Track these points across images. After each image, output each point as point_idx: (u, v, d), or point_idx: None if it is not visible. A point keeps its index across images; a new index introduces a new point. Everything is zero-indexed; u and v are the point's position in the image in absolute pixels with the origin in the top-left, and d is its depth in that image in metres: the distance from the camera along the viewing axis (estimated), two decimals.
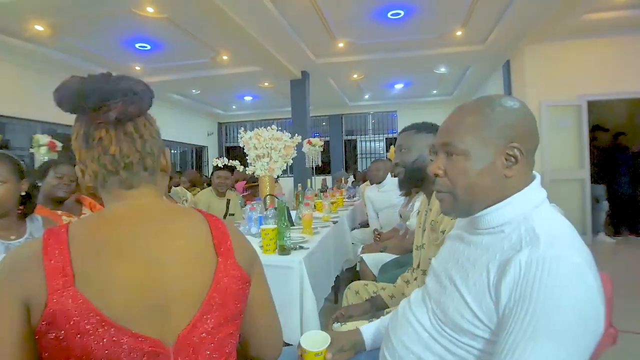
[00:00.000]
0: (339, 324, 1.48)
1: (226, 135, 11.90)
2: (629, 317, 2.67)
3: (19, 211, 1.51)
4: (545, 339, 0.61)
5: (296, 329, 1.56)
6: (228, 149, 11.72)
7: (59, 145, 3.78)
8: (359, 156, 11.30)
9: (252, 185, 5.68)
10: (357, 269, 2.61)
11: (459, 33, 5.56)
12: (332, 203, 3.43)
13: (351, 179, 7.60)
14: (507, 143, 0.77)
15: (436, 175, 0.84)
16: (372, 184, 3.57)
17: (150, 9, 4.50)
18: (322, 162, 10.39)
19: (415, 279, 1.50)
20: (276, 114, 10.69)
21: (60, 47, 5.47)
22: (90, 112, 0.71)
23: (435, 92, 9.50)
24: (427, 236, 1.43)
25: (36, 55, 5.47)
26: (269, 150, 2.36)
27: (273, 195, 2.47)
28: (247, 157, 2.45)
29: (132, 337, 0.63)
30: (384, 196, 3.32)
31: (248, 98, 9.55)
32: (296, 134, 2.59)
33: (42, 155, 3.46)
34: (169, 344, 0.66)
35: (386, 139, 11.07)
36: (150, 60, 6.34)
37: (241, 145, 2.49)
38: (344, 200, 4.37)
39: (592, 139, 5.47)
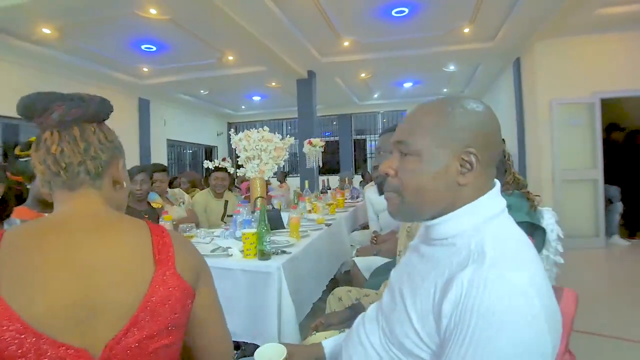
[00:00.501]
0: (316, 333, 1.43)
1: (236, 135, 11.95)
2: None
3: None
4: None
5: (273, 336, 1.53)
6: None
7: None
8: (368, 156, 11.21)
9: None
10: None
11: (466, 30, 5.44)
12: (329, 205, 3.38)
13: (358, 178, 7.52)
14: (462, 147, 0.71)
15: (387, 174, 0.78)
16: (376, 184, 3.50)
17: (153, 11, 4.52)
18: (325, 161, 10.37)
19: None
20: (285, 113, 10.69)
21: (68, 50, 5.56)
22: (37, 117, 0.74)
23: (445, 90, 9.34)
24: (404, 243, 1.37)
25: (46, 58, 5.57)
26: (259, 152, 2.33)
27: (264, 197, 2.44)
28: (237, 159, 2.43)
29: (55, 346, 0.62)
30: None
31: (256, 98, 9.57)
32: (287, 135, 2.56)
33: None
34: (96, 355, 0.65)
35: None
36: (157, 61, 6.39)
37: (233, 146, 2.47)
38: (346, 201, 4.31)
39: (606, 138, 5.28)
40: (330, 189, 5.43)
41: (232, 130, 2.78)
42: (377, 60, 6.52)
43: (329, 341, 1.03)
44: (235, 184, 6.12)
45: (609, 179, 5.21)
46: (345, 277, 3.25)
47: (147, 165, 3.19)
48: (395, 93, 9.47)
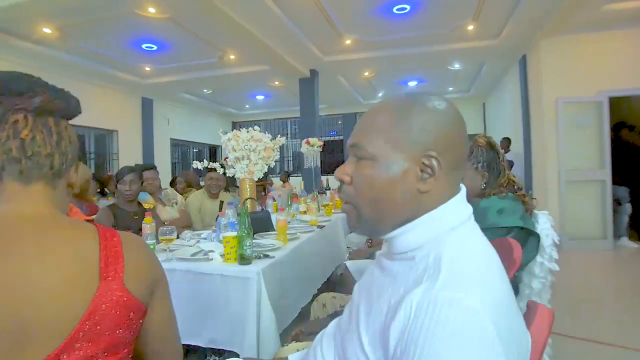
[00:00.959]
0: (296, 342, 1.37)
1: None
2: None
3: None
4: None
5: (252, 344, 1.47)
6: None
7: None
8: None
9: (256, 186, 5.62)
10: None
11: (470, 27, 5.33)
12: (325, 205, 3.31)
13: None
14: (422, 151, 0.63)
15: (341, 181, 0.70)
16: None
17: (152, 10, 4.50)
18: (331, 160, 10.31)
19: None
20: (289, 112, 10.64)
21: (69, 49, 5.57)
22: (15, 95, 0.69)
23: (451, 89, 9.22)
24: None
25: (48, 57, 5.58)
26: (249, 152, 2.27)
27: (254, 199, 2.39)
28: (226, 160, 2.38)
29: None
30: None
31: (260, 97, 9.53)
32: (278, 135, 2.49)
33: None
34: None
35: None
36: (159, 60, 6.38)
37: (223, 146, 2.42)
38: None
39: (614, 137, 5.13)
40: (329, 189, 5.36)
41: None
42: (380, 58, 6.43)
43: (295, 355, 0.96)
44: (237, 184, 6.08)
45: (617, 179, 5.07)
46: (342, 279, 3.18)
47: (139, 165, 3.15)
48: (399, 92, 9.36)
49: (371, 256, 2.42)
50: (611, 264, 4.66)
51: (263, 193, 4.80)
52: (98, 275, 0.66)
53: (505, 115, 7.57)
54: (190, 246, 1.89)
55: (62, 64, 5.88)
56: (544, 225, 1.60)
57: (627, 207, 5.09)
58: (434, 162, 0.63)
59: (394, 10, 4.74)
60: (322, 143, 4.42)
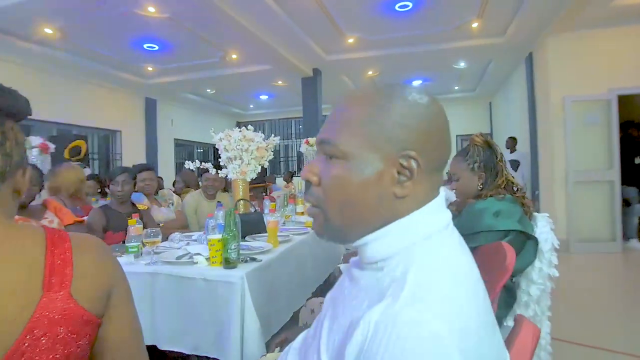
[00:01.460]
0: (279, 349, 1.31)
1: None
2: None
3: None
4: None
5: (237, 350, 1.41)
6: None
7: (52, 147, 3.81)
8: None
9: (256, 186, 5.57)
10: None
11: (475, 25, 5.23)
12: None
13: None
14: (400, 150, 0.56)
15: (308, 181, 0.62)
16: None
17: (151, 9, 4.48)
18: None
19: None
20: (293, 112, 10.58)
21: (71, 50, 5.57)
22: None
23: (457, 88, 9.10)
24: None
25: (50, 58, 5.59)
26: (241, 152, 2.22)
27: (247, 200, 2.33)
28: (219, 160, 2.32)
29: None
30: None
31: (264, 97, 9.49)
32: (272, 135, 2.43)
33: (34, 157, 3.49)
34: None
35: None
36: (161, 60, 6.36)
37: (216, 146, 2.37)
38: None
39: (622, 136, 4.99)
40: None
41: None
42: (384, 57, 6.35)
43: None
44: None
45: (626, 179, 4.93)
46: (335, 283, 3.10)
47: (136, 166, 3.11)
48: None
49: None
50: (620, 267, 4.53)
51: (264, 194, 4.75)
52: (40, 286, 0.60)
53: (512, 115, 7.43)
54: (178, 248, 1.84)
55: (65, 65, 5.90)
56: (543, 228, 1.52)
57: (637, 208, 4.96)
58: (413, 163, 0.55)
59: (396, 7, 4.66)
60: None
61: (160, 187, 6.45)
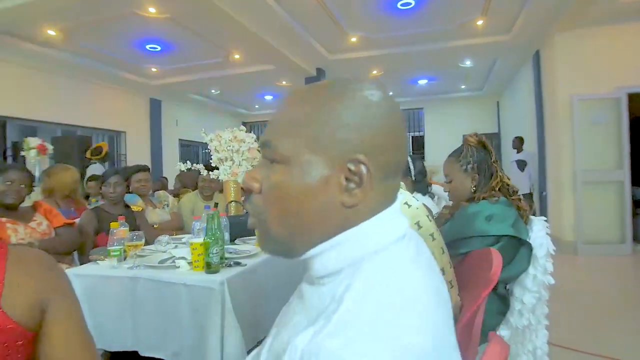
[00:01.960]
0: None
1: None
2: None
3: None
4: None
5: (216, 358, 1.36)
6: None
7: (50, 148, 3.81)
8: None
9: None
10: None
11: (479, 22, 5.14)
12: None
13: None
14: (347, 153, 0.49)
15: (249, 190, 0.55)
16: None
17: (152, 10, 4.47)
18: None
19: None
20: None
21: (75, 51, 5.61)
22: None
23: (463, 87, 8.98)
24: None
25: (54, 59, 5.63)
26: (231, 153, 2.17)
27: (238, 201, 2.29)
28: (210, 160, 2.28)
29: None
30: None
31: (269, 97, 9.47)
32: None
33: (32, 158, 3.49)
34: None
35: (413, 137, 10.62)
36: (164, 61, 6.37)
37: (209, 147, 2.33)
38: None
39: (632, 135, 4.85)
40: None
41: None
42: (387, 56, 6.29)
43: None
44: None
45: (636, 180, 4.79)
46: None
47: (135, 166, 3.09)
48: (410, 90, 9.17)
49: None
50: (630, 270, 4.39)
51: None
52: None
53: (519, 114, 7.30)
54: (164, 252, 1.80)
55: (68, 66, 5.93)
56: (538, 233, 1.44)
57: None
58: (363, 169, 0.48)
59: (398, 5, 4.60)
60: None
61: (165, 187, 6.47)
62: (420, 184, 2.34)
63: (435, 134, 9.91)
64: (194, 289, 1.44)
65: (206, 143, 2.28)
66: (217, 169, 2.38)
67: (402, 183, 1.31)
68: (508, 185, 1.58)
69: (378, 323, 0.41)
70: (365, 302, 0.43)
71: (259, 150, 2.35)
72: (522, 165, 6.11)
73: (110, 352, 1.61)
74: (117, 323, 1.56)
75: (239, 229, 2.09)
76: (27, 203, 2.19)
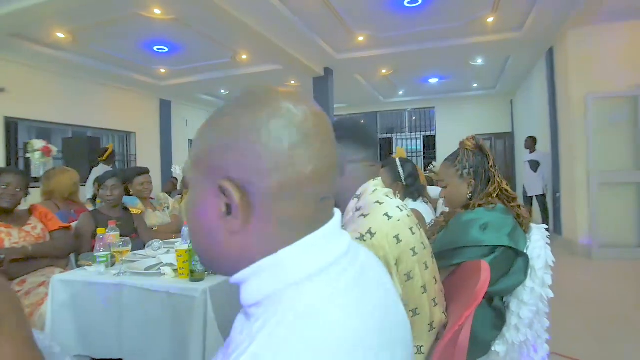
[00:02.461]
0: None
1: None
2: None
3: None
4: None
5: None
6: None
7: (54, 150, 3.85)
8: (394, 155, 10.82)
9: None
10: None
11: (490, 20, 5.01)
12: None
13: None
14: (221, 176, 0.43)
15: None
16: None
17: (157, 11, 4.48)
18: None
19: None
20: None
21: (84, 53, 5.68)
22: None
23: (475, 85, 8.80)
24: None
25: (64, 61, 5.70)
26: None
27: None
28: None
29: None
30: None
31: None
32: None
33: (36, 160, 3.52)
34: None
35: (424, 137, 10.48)
36: (172, 62, 6.39)
37: None
38: None
39: None
40: None
41: None
42: (396, 55, 6.18)
43: None
44: None
45: None
46: None
47: (134, 168, 3.08)
48: (421, 89, 9.04)
49: None
50: None
51: None
52: None
53: (533, 113, 7.11)
54: (153, 257, 1.77)
55: (78, 67, 6.00)
56: (537, 243, 1.36)
57: None
58: (234, 194, 0.42)
59: (405, 3, 4.50)
60: None
61: (175, 188, 6.50)
62: (412, 188, 2.26)
63: (447, 134, 9.75)
64: (176, 297, 1.41)
65: None
66: None
67: (389, 190, 1.24)
68: (507, 191, 1.50)
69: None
70: (268, 350, 0.37)
71: None
72: (534, 165, 5.95)
73: None
74: (103, 330, 1.54)
75: None
76: (24, 206, 2.19)
